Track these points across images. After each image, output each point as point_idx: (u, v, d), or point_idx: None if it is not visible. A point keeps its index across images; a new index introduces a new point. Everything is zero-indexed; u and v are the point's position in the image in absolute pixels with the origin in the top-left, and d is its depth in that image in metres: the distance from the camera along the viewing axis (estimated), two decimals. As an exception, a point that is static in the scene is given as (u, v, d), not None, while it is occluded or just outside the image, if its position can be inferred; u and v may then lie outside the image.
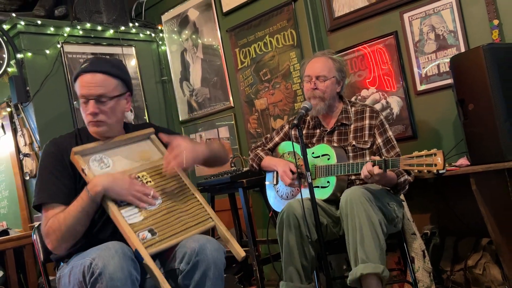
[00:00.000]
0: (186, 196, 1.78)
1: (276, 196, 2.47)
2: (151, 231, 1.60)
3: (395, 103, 2.94)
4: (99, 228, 1.69)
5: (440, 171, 2.20)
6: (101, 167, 1.69)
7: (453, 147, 2.66)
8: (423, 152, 1.86)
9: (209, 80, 3.84)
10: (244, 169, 3.03)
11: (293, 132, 2.40)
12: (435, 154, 1.81)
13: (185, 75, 4.01)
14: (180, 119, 4.07)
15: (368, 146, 2.26)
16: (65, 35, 3.52)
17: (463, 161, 2.43)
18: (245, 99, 3.61)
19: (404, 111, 2.90)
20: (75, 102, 1.73)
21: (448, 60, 2.53)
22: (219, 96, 3.79)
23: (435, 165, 1.80)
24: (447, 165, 2.43)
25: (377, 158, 2.01)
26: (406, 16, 2.83)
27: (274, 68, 3.41)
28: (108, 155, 1.74)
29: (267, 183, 2.54)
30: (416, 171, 1.90)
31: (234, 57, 3.60)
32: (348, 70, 3.08)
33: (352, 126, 2.32)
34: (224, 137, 3.72)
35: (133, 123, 3.66)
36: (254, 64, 3.51)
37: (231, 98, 3.71)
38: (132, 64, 3.93)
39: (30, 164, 3.31)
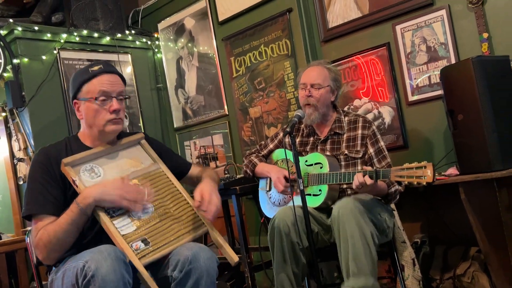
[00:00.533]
0: (179, 203, 1.76)
1: (269, 202, 2.47)
2: (144, 241, 1.60)
3: (387, 113, 2.95)
4: (90, 238, 1.69)
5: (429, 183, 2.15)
6: (92, 177, 1.67)
7: (443, 157, 2.66)
8: (413, 164, 1.87)
9: (204, 88, 3.82)
10: (238, 176, 3.02)
11: (286, 140, 2.39)
12: (425, 167, 1.82)
13: (180, 83, 4.00)
14: (175, 126, 4.06)
15: (360, 156, 2.26)
16: (62, 41, 3.54)
17: (453, 170, 2.44)
18: (239, 107, 3.59)
19: (395, 121, 2.91)
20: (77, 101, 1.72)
21: (439, 71, 2.51)
22: (214, 104, 3.78)
23: (425, 177, 1.81)
24: (436, 175, 2.45)
25: (368, 168, 2.02)
26: (398, 28, 2.86)
27: (268, 77, 3.41)
28: (98, 164, 1.72)
29: (260, 189, 2.53)
30: (406, 182, 1.90)
31: (229, 66, 3.60)
32: (342, 80, 3.01)
33: (345, 136, 2.31)
34: (218, 144, 3.70)
35: (127, 130, 3.75)
36: (249, 73, 3.51)
37: (225, 106, 3.71)
38: (127, 71, 3.93)
39: (24, 169, 3.31)
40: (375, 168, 2.03)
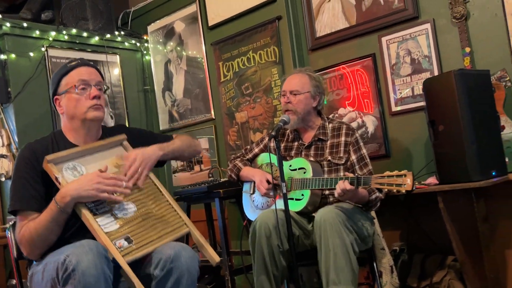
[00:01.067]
0: (161, 203, 1.77)
1: (252, 205, 2.46)
2: (127, 239, 1.59)
3: (370, 122, 2.96)
4: (73, 232, 1.67)
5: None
6: (75, 175, 1.66)
7: (423, 167, 2.69)
8: (394, 173, 1.89)
9: (192, 91, 3.80)
10: (222, 179, 3.02)
11: (271, 144, 2.41)
12: (405, 175, 1.85)
13: (167, 86, 3.97)
14: (161, 129, 4.03)
15: (342, 162, 2.28)
16: (50, 39, 3.53)
17: (432, 180, 2.46)
18: (226, 111, 3.58)
19: (378, 131, 2.93)
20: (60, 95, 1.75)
21: (422, 83, 2.50)
22: (201, 107, 3.76)
23: (405, 185, 1.84)
24: (416, 183, 2.40)
25: (350, 175, 2.03)
26: (384, 39, 2.88)
27: (256, 82, 3.41)
28: (81, 163, 1.71)
29: (244, 192, 2.54)
30: (386, 190, 1.93)
31: (217, 70, 3.59)
32: (327, 87, 3.09)
33: (328, 142, 2.33)
34: (204, 148, 3.68)
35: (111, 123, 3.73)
36: (237, 78, 3.50)
37: (212, 110, 3.69)
38: (115, 72, 3.91)
39: (6, 166, 3.28)
40: (356, 174, 2.04)
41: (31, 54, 3.43)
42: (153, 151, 1.79)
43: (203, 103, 3.76)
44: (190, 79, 3.82)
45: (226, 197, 2.91)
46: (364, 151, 2.32)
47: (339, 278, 1.93)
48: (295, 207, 2.21)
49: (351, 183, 1.97)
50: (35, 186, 1.67)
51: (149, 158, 1.74)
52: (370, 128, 2.97)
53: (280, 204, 2.03)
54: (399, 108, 2.88)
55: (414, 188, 2.10)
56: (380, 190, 2.21)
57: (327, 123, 2.40)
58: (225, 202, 3.16)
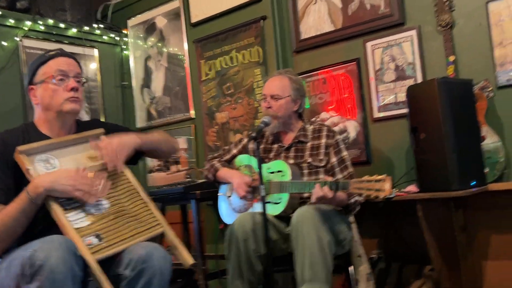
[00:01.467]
0: (135, 201, 1.74)
1: (229, 208, 2.44)
2: (97, 236, 1.56)
3: (352, 128, 2.94)
4: (41, 229, 1.61)
5: (388, 197, 2.12)
6: (47, 168, 1.62)
7: (404, 174, 2.69)
8: (373, 177, 1.87)
9: (171, 89, 3.74)
10: (199, 181, 2.99)
11: (250, 146, 2.39)
12: (383, 180, 1.83)
13: (147, 82, 3.91)
14: (138, 126, 3.95)
15: (323, 165, 2.26)
16: (26, 29, 3.43)
17: (412, 188, 2.47)
18: (206, 111, 3.53)
19: (360, 136, 2.90)
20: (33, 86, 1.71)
21: (405, 90, 2.54)
22: (180, 106, 3.70)
23: (383, 190, 1.81)
24: (396, 191, 2.48)
25: (329, 178, 2.03)
26: (369, 44, 2.87)
27: (238, 83, 3.36)
28: (54, 156, 1.67)
29: (220, 194, 2.51)
30: (364, 195, 1.89)
31: (198, 69, 3.54)
32: (307, 89, 3.06)
33: (309, 144, 2.32)
34: (182, 148, 3.61)
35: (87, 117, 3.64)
36: (219, 78, 3.46)
37: (192, 109, 3.63)
38: (92, 66, 3.82)
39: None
40: (335, 178, 2.04)
41: (4, 43, 3.32)
42: (131, 138, 1.76)
43: (182, 101, 3.70)
44: (170, 76, 3.76)
45: (203, 199, 2.86)
46: (345, 153, 2.30)
47: (315, 275, 1.92)
48: (273, 210, 2.19)
49: (330, 187, 1.95)
50: (3, 179, 1.62)
51: (126, 143, 1.72)
52: (352, 134, 2.94)
53: (258, 207, 2.04)
54: (381, 114, 2.86)
55: (393, 195, 2.13)
56: (359, 195, 2.14)
57: (307, 125, 2.38)
58: (201, 204, 3.12)
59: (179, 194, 2.86)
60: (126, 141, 1.73)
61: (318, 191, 1.96)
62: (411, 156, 2.52)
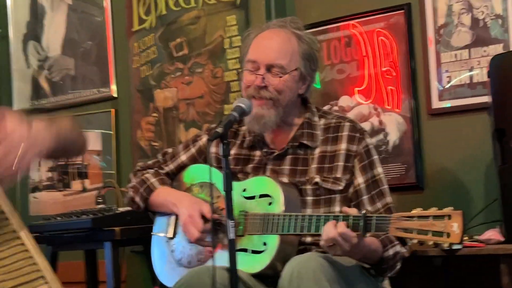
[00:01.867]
0: (6, 240, 1.71)
1: (170, 259, 2.28)
2: None
3: (394, 126, 2.75)
4: None
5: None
6: None
7: (480, 210, 2.52)
8: (430, 211, 1.79)
9: (78, 45, 3.50)
10: (120, 209, 2.80)
11: (212, 150, 2.25)
12: (449, 217, 1.72)
13: (34, 32, 3.66)
14: (15, 107, 3.65)
15: (341, 188, 2.13)
16: None
17: (493, 234, 2.35)
18: (138, 86, 3.28)
19: (406, 141, 2.70)
20: None
21: (488, 63, 2.42)
22: (93, 76, 3.47)
23: (448, 234, 1.71)
24: (466, 237, 2.35)
25: (352, 211, 1.89)
26: None
27: (196, 38, 3.12)
28: None
29: (155, 234, 2.36)
30: (415, 241, 1.82)
31: (128, 11, 3.30)
32: (321, 59, 2.85)
33: (317, 151, 2.19)
34: (92, 149, 3.42)
35: None
36: (162, 28, 3.19)
37: (113, 83, 3.41)
38: None
39: None
40: (363, 212, 1.88)
41: None
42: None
43: (97, 68, 3.45)
44: (76, 22, 3.53)
45: (126, 242, 2.78)
46: (379, 170, 2.18)
47: None
48: (252, 264, 2.06)
49: (353, 227, 1.83)
50: None
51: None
52: (393, 136, 2.76)
53: (223, 259, 1.89)
54: (445, 104, 2.67)
55: (460, 245, 2.10)
56: (403, 242, 2.05)
57: (316, 117, 2.24)
58: (123, 251, 3.05)
59: (83, 232, 2.74)
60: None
61: (332, 231, 1.85)
62: (493, 179, 2.42)
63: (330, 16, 2.90)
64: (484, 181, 2.61)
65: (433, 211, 1.78)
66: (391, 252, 1.99)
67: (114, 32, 3.43)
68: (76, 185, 3.58)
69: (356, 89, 2.89)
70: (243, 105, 1.96)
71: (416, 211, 1.79)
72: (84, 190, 3.54)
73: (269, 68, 2.11)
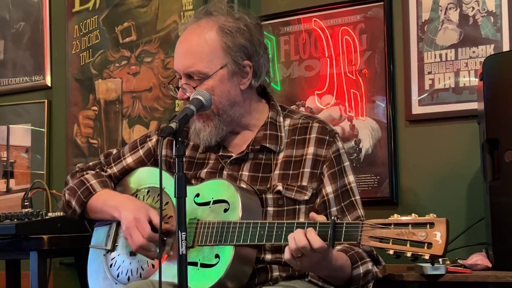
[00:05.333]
0: None
1: (107, 275, 2.24)
2: None
3: (367, 132, 2.75)
4: None
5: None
6: None
7: (463, 231, 2.52)
8: (409, 218, 1.74)
9: (9, 25, 3.46)
10: (50, 214, 2.78)
11: (164, 152, 2.25)
12: (431, 225, 1.69)
13: None
14: None
15: (306, 198, 2.10)
16: None
17: (480, 258, 2.33)
18: (77, 75, 3.25)
19: (381, 150, 2.69)
20: None
21: (479, 64, 2.47)
22: (24, 61, 3.43)
23: (429, 245, 1.67)
24: (448, 262, 2.38)
25: (320, 217, 1.85)
26: None
27: (146, 23, 3.12)
28: None
29: (93, 246, 2.32)
30: (391, 251, 1.68)
31: None
32: (281, 51, 2.90)
33: (281, 155, 2.16)
34: (20, 145, 3.40)
35: None
36: (108, 9, 3.18)
37: (47, 70, 3.36)
38: None
39: None
40: (332, 218, 1.84)
41: None
42: None
43: (30, 53, 3.41)
44: None
45: (55, 253, 2.79)
46: (351, 178, 2.16)
47: None
48: (202, 280, 2.03)
49: (321, 235, 1.79)
50: None
51: None
52: (366, 144, 2.76)
53: (169, 273, 1.95)
54: (426, 109, 2.65)
55: (443, 270, 2.18)
56: (376, 260, 2.03)
57: (281, 118, 2.21)
58: (52, 263, 3.05)
59: (6, 239, 2.69)
60: None
61: (302, 239, 1.82)
62: (478, 195, 2.46)
63: (296, 6, 2.87)
64: (468, 198, 2.60)
65: (413, 217, 1.72)
66: (361, 270, 1.94)
67: (51, 12, 3.38)
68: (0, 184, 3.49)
69: (322, 90, 2.85)
70: (201, 98, 1.91)
71: (394, 218, 1.73)
72: (9, 191, 3.47)
73: (189, 76, 2.09)
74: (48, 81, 3.36)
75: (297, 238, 1.74)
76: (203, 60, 2.08)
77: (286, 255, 1.77)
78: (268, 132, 2.10)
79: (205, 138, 2.10)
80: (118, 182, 2.31)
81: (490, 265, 2.22)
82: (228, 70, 2.08)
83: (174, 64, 2.16)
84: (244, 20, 2.14)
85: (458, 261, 2.36)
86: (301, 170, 2.08)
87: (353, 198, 2.07)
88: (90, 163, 2.37)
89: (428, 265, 2.13)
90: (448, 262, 2.34)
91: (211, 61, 2.08)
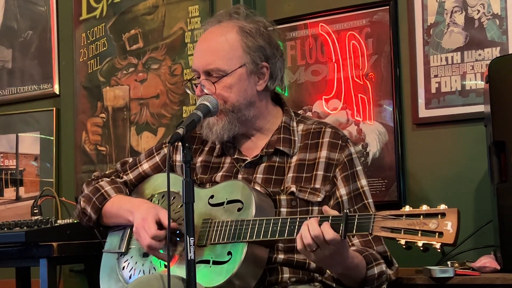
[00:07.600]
0: None
1: (120, 277, 2.27)
2: None
3: (374, 137, 2.80)
4: None
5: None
6: None
7: (471, 234, 2.54)
8: (421, 209, 1.79)
9: (17, 34, 3.52)
10: (59, 221, 2.83)
11: (178, 158, 2.33)
12: (443, 215, 1.76)
13: None
14: None
15: (319, 200, 2.15)
16: None
17: (489, 261, 2.36)
18: (85, 82, 3.30)
19: (388, 154, 2.73)
20: None
21: (485, 67, 2.51)
22: (32, 70, 3.49)
23: (441, 234, 1.71)
24: (456, 264, 2.44)
25: (332, 211, 1.92)
26: None
27: (153, 30, 3.15)
28: None
29: (106, 252, 2.38)
30: (402, 241, 1.75)
31: None
32: (287, 56, 2.92)
33: (294, 158, 2.23)
34: (29, 154, 3.47)
35: None
36: (115, 17, 3.22)
37: (55, 78, 3.40)
38: None
39: None
40: (345, 211, 1.91)
41: None
42: None
43: (38, 61, 3.47)
44: (15, 8, 3.57)
45: (65, 260, 2.81)
46: (364, 182, 2.23)
47: None
48: (213, 277, 2.06)
49: (333, 226, 1.84)
50: None
51: None
52: (373, 148, 2.80)
53: (180, 274, 1.94)
54: (432, 112, 2.70)
55: (451, 273, 2.20)
56: (389, 261, 2.09)
57: (294, 122, 2.28)
58: (62, 271, 3.11)
59: (16, 247, 2.75)
60: None
61: (314, 228, 1.87)
62: (486, 198, 2.48)
63: (303, 11, 2.90)
64: (476, 201, 2.62)
65: (425, 209, 1.79)
66: (376, 270, 2.00)
67: (58, 20, 3.43)
68: (9, 193, 3.59)
69: (329, 95, 2.89)
70: (208, 104, 1.98)
71: (406, 209, 1.81)
72: (18, 199, 3.55)
73: (208, 73, 2.15)
74: (56, 89, 3.44)
75: (310, 227, 1.81)
76: (223, 57, 2.17)
77: (299, 245, 1.83)
78: (282, 135, 2.18)
79: (218, 132, 2.18)
80: (134, 188, 2.39)
81: (498, 267, 2.27)
82: (246, 69, 2.16)
83: (193, 63, 2.24)
84: (263, 23, 2.22)
85: (467, 263, 2.42)
86: (314, 173, 2.16)
87: (366, 201, 2.15)
88: (106, 172, 2.45)
89: (437, 268, 2.27)
90: (457, 264, 2.41)
91: (230, 59, 2.16)
